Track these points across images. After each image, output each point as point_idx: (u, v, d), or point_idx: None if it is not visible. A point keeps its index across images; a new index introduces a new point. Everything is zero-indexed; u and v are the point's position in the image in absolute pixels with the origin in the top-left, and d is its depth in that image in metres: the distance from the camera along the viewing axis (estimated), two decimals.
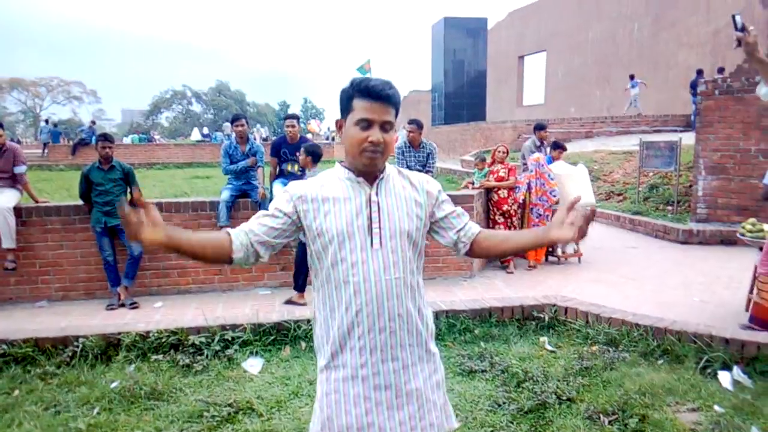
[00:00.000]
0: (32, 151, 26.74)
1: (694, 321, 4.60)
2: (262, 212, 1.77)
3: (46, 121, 32.50)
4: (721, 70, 16.44)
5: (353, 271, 1.67)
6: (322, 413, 1.74)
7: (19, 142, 41.56)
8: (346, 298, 1.69)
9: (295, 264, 5.70)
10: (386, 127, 1.69)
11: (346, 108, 1.73)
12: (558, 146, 7.88)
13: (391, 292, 1.69)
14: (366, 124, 1.67)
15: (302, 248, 5.61)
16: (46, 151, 26.03)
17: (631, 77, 22.06)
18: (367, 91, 1.67)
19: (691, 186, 9.38)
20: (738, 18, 2.93)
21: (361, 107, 1.68)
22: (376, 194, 1.72)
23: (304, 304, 5.53)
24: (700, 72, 17.02)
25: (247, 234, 1.72)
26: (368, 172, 1.73)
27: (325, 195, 1.72)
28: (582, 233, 1.64)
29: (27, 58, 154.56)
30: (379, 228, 1.70)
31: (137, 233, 1.54)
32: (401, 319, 1.71)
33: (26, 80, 65.61)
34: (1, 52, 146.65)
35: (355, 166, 1.73)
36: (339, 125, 1.79)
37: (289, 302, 5.58)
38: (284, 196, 1.76)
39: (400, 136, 25.93)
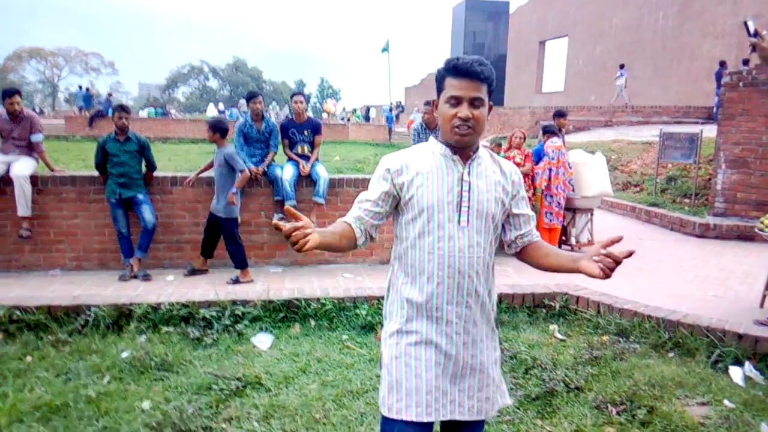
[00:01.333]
0: (50, 122, 26.89)
1: (707, 315, 4.54)
2: (363, 196, 1.83)
3: (80, 87, 32.78)
4: (745, 62, 16.10)
5: (439, 245, 1.75)
6: (390, 376, 1.81)
7: (41, 111, 41.96)
8: (429, 268, 1.76)
9: (230, 244, 5.67)
10: (476, 103, 1.74)
11: (439, 87, 1.80)
12: (561, 114, 7.91)
13: (472, 269, 1.77)
14: (455, 101, 1.74)
15: (231, 224, 5.61)
16: (84, 113, 26.23)
17: (621, 66, 22.17)
18: (456, 69, 1.74)
19: (710, 179, 9.23)
20: (750, 23, 2.85)
21: (450, 85, 1.75)
22: (468, 174, 1.79)
23: (251, 281, 5.61)
24: (723, 63, 16.70)
25: (359, 221, 1.81)
26: (461, 149, 1.79)
27: (419, 168, 1.79)
28: (607, 275, 1.67)
29: (47, 29, 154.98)
30: (468, 207, 1.77)
31: (303, 246, 1.52)
32: (477, 296, 1.80)
33: (45, 50, 65.88)
34: (22, 23, 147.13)
35: (448, 143, 1.80)
36: (435, 104, 1.85)
37: (236, 281, 5.61)
38: (381, 172, 1.82)
39: (415, 118, 25.83)
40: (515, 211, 1.90)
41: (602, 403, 3.39)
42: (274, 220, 5.79)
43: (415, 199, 1.76)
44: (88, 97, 29.51)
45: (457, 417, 1.81)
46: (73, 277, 5.70)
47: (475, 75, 1.72)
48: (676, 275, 6.16)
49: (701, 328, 4.19)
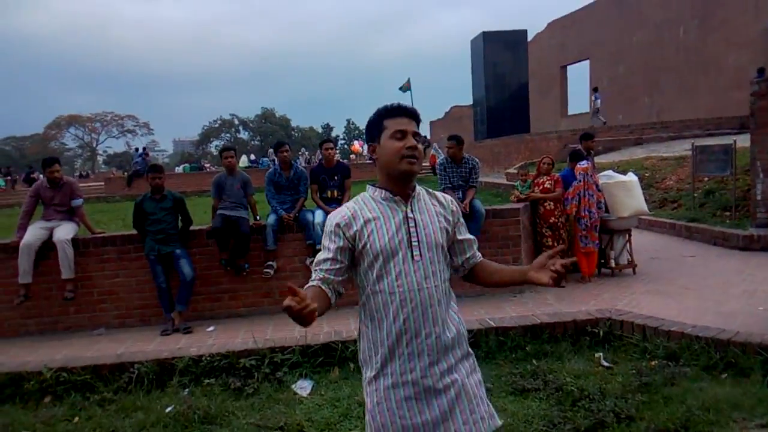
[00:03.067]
0: (90, 185, 27.86)
1: (759, 331, 4.36)
2: (320, 257, 1.89)
3: (136, 150, 33.93)
4: (761, 71, 15.80)
5: (398, 282, 1.82)
6: (375, 422, 1.84)
7: (87, 175, 43.44)
8: (393, 308, 1.82)
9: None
10: (417, 138, 1.89)
11: (378, 130, 1.92)
12: (587, 136, 7.90)
13: (433, 299, 1.84)
14: (401, 134, 1.87)
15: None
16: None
17: (595, 90, 23.74)
18: (395, 110, 1.91)
19: (749, 190, 8.97)
20: None
21: (393, 123, 1.89)
22: (412, 211, 1.89)
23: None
24: (761, 70, 16.37)
25: (325, 282, 1.86)
26: (402, 186, 1.89)
27: (366, 216, 1.88)
28: (558, 281, 1.76)
29: (82, 96, 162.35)
30: (418, 241, 1.86)
31: (307, 321, 1.57)
32: (444, 324, 1.86)
33: (83, 116, 68.85)
34: (61, 92, 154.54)
35: (396, 176, 1.88)
36: (372, 149, 1.96)
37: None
38: (331, 230, 1.89)
39: (435, 152, 25.85)
40: (459, 237, 2.00)
41: (656, 431, 3.26)
42: (289, 283, 5.87)
43: (368, 245, 1.84)
44: (144, 155, 30.43)
45: None
46: (117, 335, 5.81)
47: (411, 114, 1.91)
48: (723, 291, 5.95)
49: (754, 345, 4.03)
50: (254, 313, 6.22)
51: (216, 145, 74.80)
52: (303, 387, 4.22)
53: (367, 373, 1.90)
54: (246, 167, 32.34)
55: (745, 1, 21.18)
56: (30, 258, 5.79)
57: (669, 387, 3.79)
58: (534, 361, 4.40)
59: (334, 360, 4.58)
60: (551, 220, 6.89)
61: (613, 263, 7.18)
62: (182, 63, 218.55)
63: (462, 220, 2.04)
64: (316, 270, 1.89)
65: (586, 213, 6.81)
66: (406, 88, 29.00)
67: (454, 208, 2.01)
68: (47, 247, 5.92)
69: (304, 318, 1.53)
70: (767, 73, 14.82)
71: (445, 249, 1.94)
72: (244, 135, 76.93)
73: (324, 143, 6.92)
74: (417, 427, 1.79)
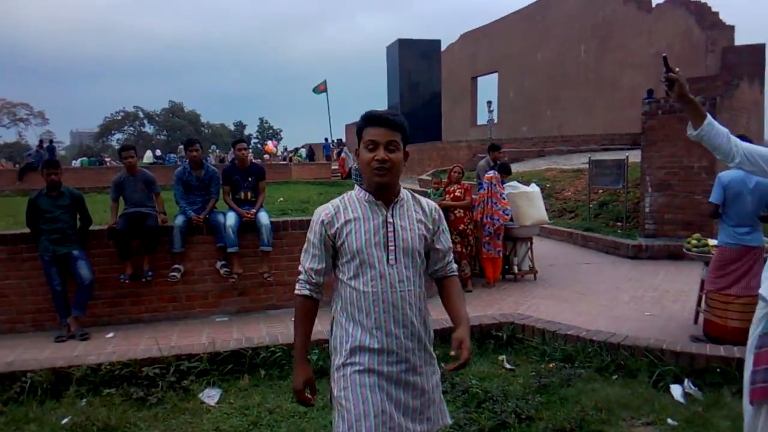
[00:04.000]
0: None
1: (645, 335, 4.74)
2: (305, 259, 2.05)
3: (41, 141, 31.20)
4: (650, 92, 17.19)
5: (372, 283, 1.93)
6: (341, 407, 1.94)
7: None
8: (366, 305, 1.94)
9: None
10: (391, 147, 1.95)
11: (359, 137, 2.01)
12: (504, 170, 7.95)
13: (405, 301, 1.96)
14: (373, 145, 1.95)
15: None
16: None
17: (488, 103, 25.88)
18: (372, 119, 1.98)
19: (638, 202, 9.71)
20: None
21: (368, 133, 1.97)
22: (392, 216, 1.99)
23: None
24: (650, 91, 17.72)
25: (315, 286, 2.05)
26: (383, 191, 1.99)
27: (348, 216, 1.99)
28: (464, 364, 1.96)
29: None
30: (395, 246, 1.96)
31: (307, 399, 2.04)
32: (413, 326, 1.98)
33: None
34: None
35: (369, 186, 1.99)
36: (357, 153, 2.05)
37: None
38: (315, 226, 2.03)
39: (346, 156, 26.21)
40: (436, 246, 2.10)
41: (553, 431, 3.46)
42: (146, 277, 5.78)
43: (347, 244, 1.96)
44: (52, 149, 28.07)
45: None
46: (7, 341, 5.39)
47: (387, 123, 1.95)
48: (614, 297, 6.41)
49: (641, 348, 4.37)
50: (158, 319, 5.98)
51: (118, 139, 71.02)
52: (211, 396, 4.11)
53: (336, 360, 2.00)
54: (151, 163, 30.93)
55: (640, 25, 22.87)
56: None
57: (565, 388, 4.03)
58: (442, 365, 4.51)
59: (244, 367, 4.49)
60: (460, 227, 7.12)
61: (516, 269, 7.54)
62: (83, 50, 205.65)
63: (443, 228, 2.13)
64: (305, 272, 2.04)
65: (489, 220, 7.12)
66: (320, 90, 28.86)
67: (436, 216, 2.10)
68: None
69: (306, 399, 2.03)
70: (656, 94, 16.08)
71: (422, 255, 2.04)
72: (149, 129, 73.63)
73: (237, 143, 6.76)
74: (377, 414, 1.89)
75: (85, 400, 4.01)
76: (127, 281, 5.84)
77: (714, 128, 2.50)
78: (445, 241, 2.12)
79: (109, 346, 5.13)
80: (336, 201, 2.05)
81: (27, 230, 5.68)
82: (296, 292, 2.06)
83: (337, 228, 1.97)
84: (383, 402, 1.91)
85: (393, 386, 1.94)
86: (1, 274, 5.67)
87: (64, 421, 3.68)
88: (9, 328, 5.68)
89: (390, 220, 1.97)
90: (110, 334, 5.55)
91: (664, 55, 2.63)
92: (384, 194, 1.99)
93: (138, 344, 5.11)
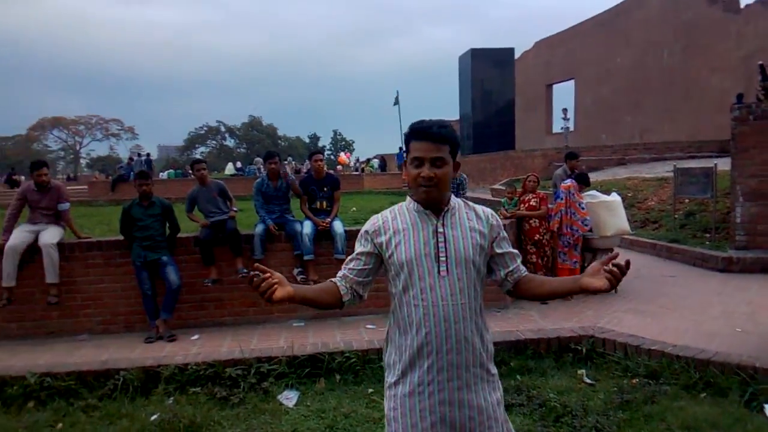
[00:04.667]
0: (74, 188, 27.54)
1: (737, 352, 4.47)
2: (349, 257, 1.98)
3: (139, 155, 33.63)
4: (740, 96, 16.16)
5: (422, 296, 1.84)
6: (390, 428, 1.89)
7: (75, 178, 42.61)
8: (416, 320, 1.85)
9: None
10: (438, 163, 1.85)
11: (407, 150, 1.93)
12: (582, 180, 7.56)
13: (457, 316, 1.84)
14: (418, 162, 1.87)
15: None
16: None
17: (564, 111, 24.86)
18: (417, 133, 1.88)
19: (728, 213, 9.18)
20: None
21: (413, 148, 1.89)
22: (442, 225, 1.89)
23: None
24: (740, 96, 16.74)
25: (344, 279, 1.95)
26: (431, 205, 1.90)
27: (396, 227, 1.91)
28: (613, 284, 1.77)
29: (67, 99, 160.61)
30: (446, 257, 1.86)
31: (271, 294, 1.74)
32: (466, 342, 1.85)
33: (67, 119, 68.09)
34: (46, 95, 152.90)
35: (418, 200, 1.92)
36: (405, 166, 1.98)
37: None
38: (362, 236, 1.97)
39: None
40: (498, 251, 1.98)
41: None
42: (241, 273, 5.94)
43: (395, 256, 1.88)
44: (149, 162, 30.18)
45: None
46: (101, 341, 5.77)
47: (433, 137, 1.85)
48: (703, 312, 6.08)
49: (732, 366, 4.13)
50: (240, 323, 6.21)
51: (201, 152, 74.35)
52: (289, 398, 4.23)
53: (389, 378, 1.95)
54: (232, 175, 32.28)
55: (727, 27, 21.72)
56: (15, 261, 5.74)
57: (649, 405, 3.87)
58: (518, 377, 4.46)
59: (321, 371, 4.59)
60: (536, 237, 6.98)
61: None
62: (168, 68, 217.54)
63: (504, 234, 2.01)
64: (342, 269, 1.97)
65: (569, 230, 6.93)
66: (395, 101, 29.21)
67: (494, 222, 1.98)
68: (32, 251, 5.87)
69: (264, 292, 1.71)
70: (746, 99, 15.16)
71: (479, 265, 1.91)
72: (230, 142, 76.66)
73: (313, 154, 6.99)
74: None
75: (172, 398, 4.22)
76: (209, 284, 6.10)
77: None
78: (507, 245, 2.00)
79: (195, 348, 5.38)
80: (386, 212, 1.99)
81: (120, 237, 6.06)
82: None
83: (385, 239, 1.90)
84: (434, 427, 1.83)
85: (446, 406, 1.83)
86: (97, 279, 6.07)
87: (153, 417, 3.88)
88: (103, 329, 6.07)
89: (441, 230, 1.88)
90: (195, 336, 5.81)
91: (761, 63, 2.50)
92: (432, 205, 1.91)
93: (221, 346, 5.32)
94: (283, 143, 75.09)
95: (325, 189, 6.64)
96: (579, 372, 4.56)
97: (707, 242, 9.30)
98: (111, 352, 5.30)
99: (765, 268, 7.90)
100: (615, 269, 1.75)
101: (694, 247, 9.08)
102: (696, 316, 5.91)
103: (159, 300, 5.90)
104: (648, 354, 4.56)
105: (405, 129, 2.01)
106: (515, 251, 2.04)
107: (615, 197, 7.72)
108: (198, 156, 71.36)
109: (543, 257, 6.97)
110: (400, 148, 33.63)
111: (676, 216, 10.55)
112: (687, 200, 10.73)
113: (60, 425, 3.87)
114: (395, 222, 1.92)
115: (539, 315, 6.15)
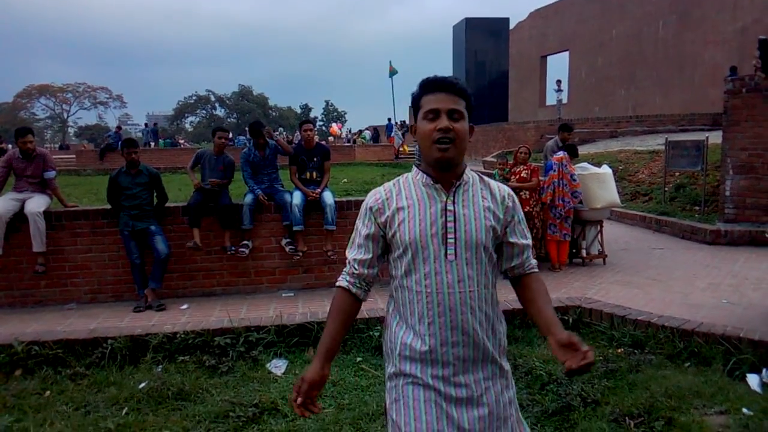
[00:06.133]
0: (61, 157, 27.26)
1: (722, 323, 4.52)
2: (351, 250, 1.79)
3: (146, 124, 34.18)
4: (733, 69, 16.10)
5: (426, 282, 1.64)
6: (393, 422, 1.71)
7: (68, 147, 42.34)
8: (419, 308, 1.66)
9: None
10: (455, 115, 1.66)
11: (416, 109, 1.73)
12: (571, 151, 7.48)
13: (465, 305, 1.64)
14: (433, 114, 1.66)
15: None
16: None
17: (558, 82, 24.79)
18: (431, 84, 1.69)
19: (718, 186, 9.22)
20: None
21: (426, 101, 1.69)
22: (453, 202, 1.68)
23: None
24: (733, 69, 16.66)
25: (358, 279, 1.77)
26: (445, 172, 1.69)
27: (400, 202, 1.70)
28: (577, 373, 1.59)
29: (55, 67, 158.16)
30: (455, 239, 1.65)
31: (311, 397, 1.69)
32: (475, 333, 1.67)
33: (54, 86, 66.98)
34: (32, 62, 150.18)
35: (429, 163, 1.70)
36: (414, 130, 1.76)
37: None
38: (364, 213, 1.77)
39: (396, 137, 26.72)
40: (510, 239, 1.77)
41: (620, 416, 3.37)
42: (229, 251, 5.88)
43: (398, 235, 1.67)
44: (155, 132, 30.61)
45: None
46: (89, 310, 5.76)
47: (450, 87, 1.68)
48: (689, 284, 6.13)
49: (716, 336, 4.18)
50: (229, 293, 6.22)
51: (191, 121, 73.68)
52: (278, 366, 4.25)
53: (389, 369, 1.76)
54: None
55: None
56: (1, 230, 5.68)
57: (634, 374, 3.92)
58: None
59: (309, 340, 4.62)
60: (526, 209, 6.98)
61: (584, 253, 7.34)
62: (158, 35, 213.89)
63: (520, 216, 1.79)
64: (348, 262, 1.79)
65: (561, 202, 6.93)
66: (392, 71, 28.87)
67: (510, 204, 1.76)
68: (18, 219, 5.81)
69: (310, 395, 1.68)
70: (740, 72, 15.09)
71: (490, 250, 1.70)
72: (220, 112, 75.80)
73: (303, 124, 6.90)
74: None
75: (160, 366, 4.23)
76: (191, 247, 6.00)
77: None
78: (521, 233, 1.78)
79: (184, 317, 5.38)
80: (389, 184, 1.77)
81: (108, 206, 6.01)
82: (336, 283, 1.79)
83: (388, 216, 1.69)
84: (439, 421, 1.63)
85: (452, 405, 1.64)
86: (84, 248, 6.03)
87: (142, 385, 3.89)
88: (91, 298, 6.05)
89: (450, 207, 1.66)
90: (185, 306, 5.81)
91: (761, 37, 2.46)
92: (445, 176, 1.68)
93: (210, 316, 5.33)
94: (274, 113, 74.36)
95: (315, 159, 6.57)
96: None
97: (696, 215, 9.36)
98: (99, 321, 5.30)
99: (752, 241, 7.98)
100: (582, 364, 1.55)
101: (683, 219, 9.15)
102: (683, 288, 5.96)
103: (147, 269, 5.87)
104: (634, 324, 4.61)
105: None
106: (527, 242, 1.80)
107: (606, 169, 7.72)
108: (187, 125, 70.77)
109: (533, 229, 6.98)
110: (389, 119, 33.46)
111: (666, 189, 10.59)
112: (677, 173, 10.76)
113: (48, 393, 3.87)
114: (399, 197, 1.71)
115: None
